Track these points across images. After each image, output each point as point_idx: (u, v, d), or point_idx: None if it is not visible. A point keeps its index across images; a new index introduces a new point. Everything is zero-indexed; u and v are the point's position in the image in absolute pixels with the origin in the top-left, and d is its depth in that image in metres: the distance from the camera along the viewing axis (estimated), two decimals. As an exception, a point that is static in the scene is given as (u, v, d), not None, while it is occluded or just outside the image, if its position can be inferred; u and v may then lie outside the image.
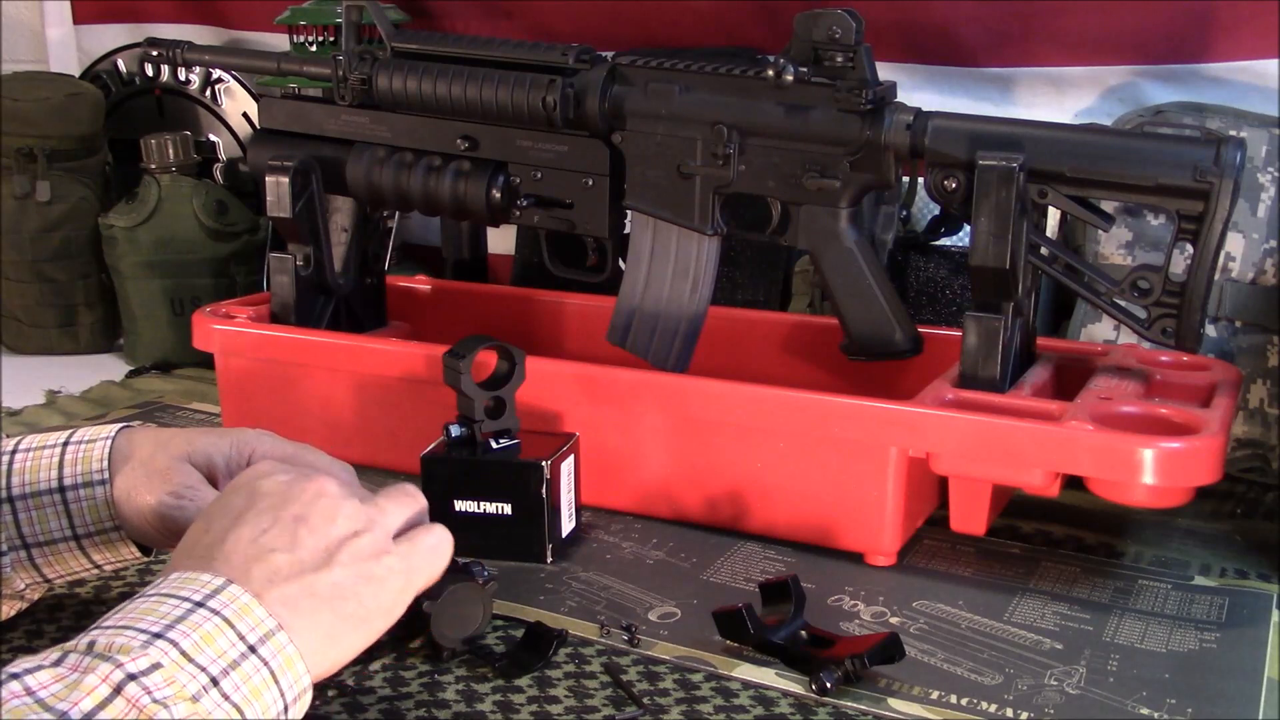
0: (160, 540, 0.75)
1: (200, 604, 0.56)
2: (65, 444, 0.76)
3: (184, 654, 0.53)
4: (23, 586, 0.77)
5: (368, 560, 0.63)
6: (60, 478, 0.75)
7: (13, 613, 0.78)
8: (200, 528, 0.63)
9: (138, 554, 0.77)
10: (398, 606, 0.64)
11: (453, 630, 0.75)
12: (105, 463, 0.75)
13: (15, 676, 0.50)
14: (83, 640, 0.54)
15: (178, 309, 1.43)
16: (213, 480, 0.75)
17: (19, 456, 0.76)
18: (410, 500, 0.69)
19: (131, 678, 0.51)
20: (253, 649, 0.56)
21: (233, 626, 0.56)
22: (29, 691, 0.50)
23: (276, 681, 0.56)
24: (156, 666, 0.52)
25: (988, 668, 0.76)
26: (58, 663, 0.52)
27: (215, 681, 0.54)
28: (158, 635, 0.54)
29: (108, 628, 0.54)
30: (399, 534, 0.67)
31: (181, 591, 0.56)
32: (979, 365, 0.91)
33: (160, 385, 1.37)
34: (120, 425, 0.77)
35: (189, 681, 0.53)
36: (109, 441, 0.76)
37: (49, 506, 0.74)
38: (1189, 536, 0.96)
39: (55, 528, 0.75)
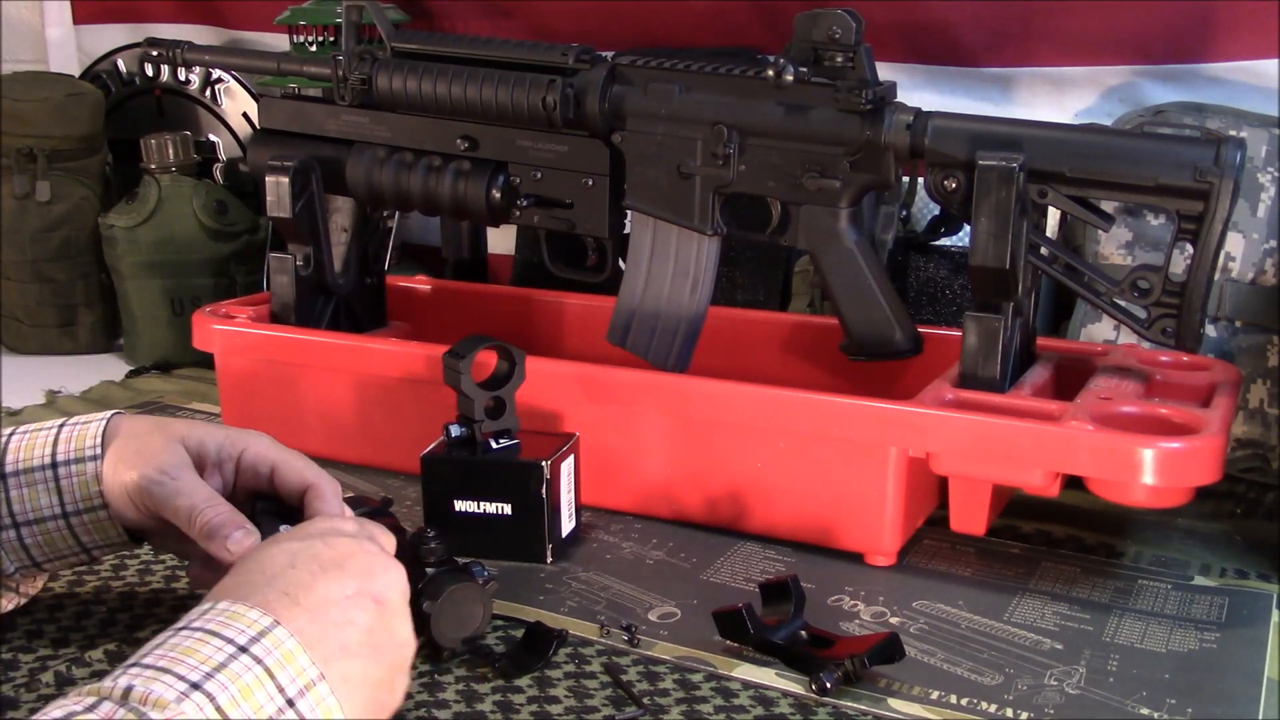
0: (136, 518, 0.74)
1: (244, 649, 0.54)
2: (61, 425, 0.76)
3: (219, 709, 0.52)
4: (13, 569, 0.76)
5: (407, 669, 0.63)
6: (54, 455, 0.75)
7: (10, 606, 0.78)
8: (283, 561, 0.61)
9: (125, 539, 0.77)
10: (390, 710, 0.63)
11: (453, 630, 0.75)
12: (99, 439, 0.75)
13: None
14: (119, 683, 0.52)
15: (178, 309, 1.43)
16: (200, 467, 0.75)
17: (15, 438, 0.76)
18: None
19: None
20: (291, 703, 0.54)
21: (273, 678, 0.54)
22: None
23: None
24: None
25: (988, 668, 0.76)
26: (91, 709, 0.50)
27: None
28: (195, 685, 0.52)
29: (146, 667, 0.53)
30: None
31: (226, 630, 0.55)
32: (979, 365, 0.91)
33: (160, 385, 1.36)
34: (117, 411, 0.78)
35: None
36: (104, 421, 0.76)
37: (40, 483, 0.75)
38: (1189, 536, 0.96)
39: (45, 504, 0.75)
